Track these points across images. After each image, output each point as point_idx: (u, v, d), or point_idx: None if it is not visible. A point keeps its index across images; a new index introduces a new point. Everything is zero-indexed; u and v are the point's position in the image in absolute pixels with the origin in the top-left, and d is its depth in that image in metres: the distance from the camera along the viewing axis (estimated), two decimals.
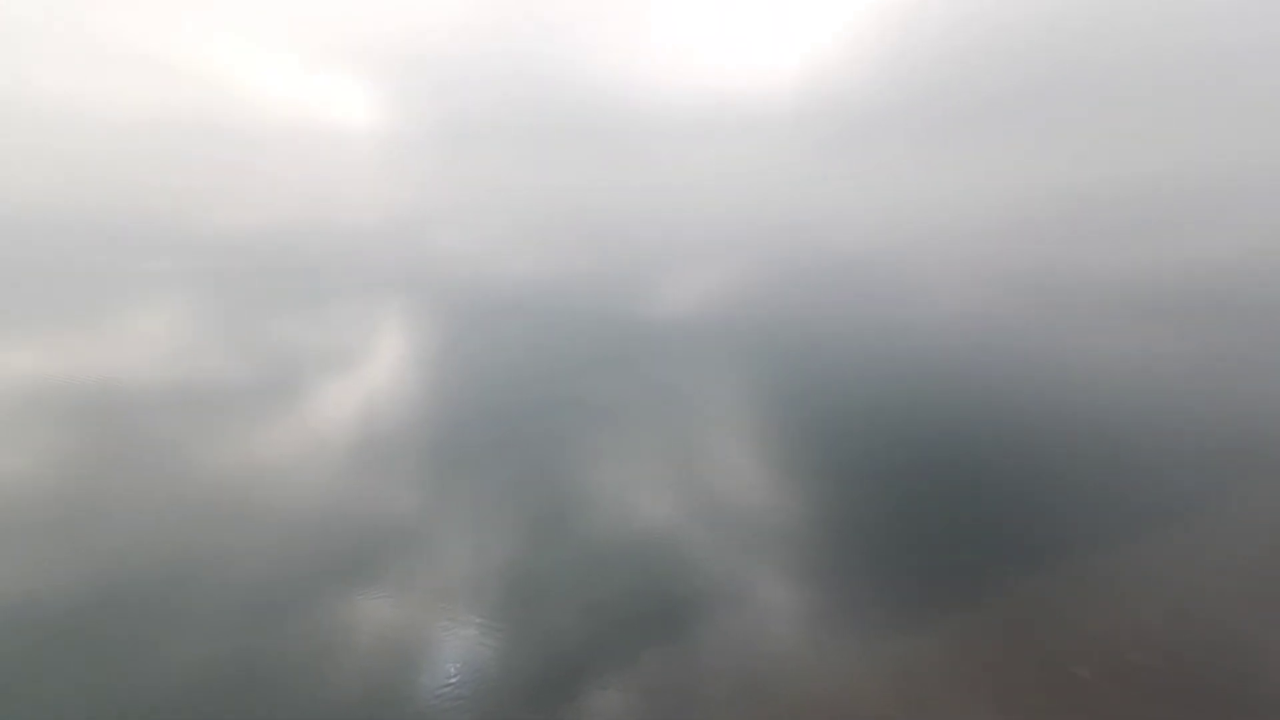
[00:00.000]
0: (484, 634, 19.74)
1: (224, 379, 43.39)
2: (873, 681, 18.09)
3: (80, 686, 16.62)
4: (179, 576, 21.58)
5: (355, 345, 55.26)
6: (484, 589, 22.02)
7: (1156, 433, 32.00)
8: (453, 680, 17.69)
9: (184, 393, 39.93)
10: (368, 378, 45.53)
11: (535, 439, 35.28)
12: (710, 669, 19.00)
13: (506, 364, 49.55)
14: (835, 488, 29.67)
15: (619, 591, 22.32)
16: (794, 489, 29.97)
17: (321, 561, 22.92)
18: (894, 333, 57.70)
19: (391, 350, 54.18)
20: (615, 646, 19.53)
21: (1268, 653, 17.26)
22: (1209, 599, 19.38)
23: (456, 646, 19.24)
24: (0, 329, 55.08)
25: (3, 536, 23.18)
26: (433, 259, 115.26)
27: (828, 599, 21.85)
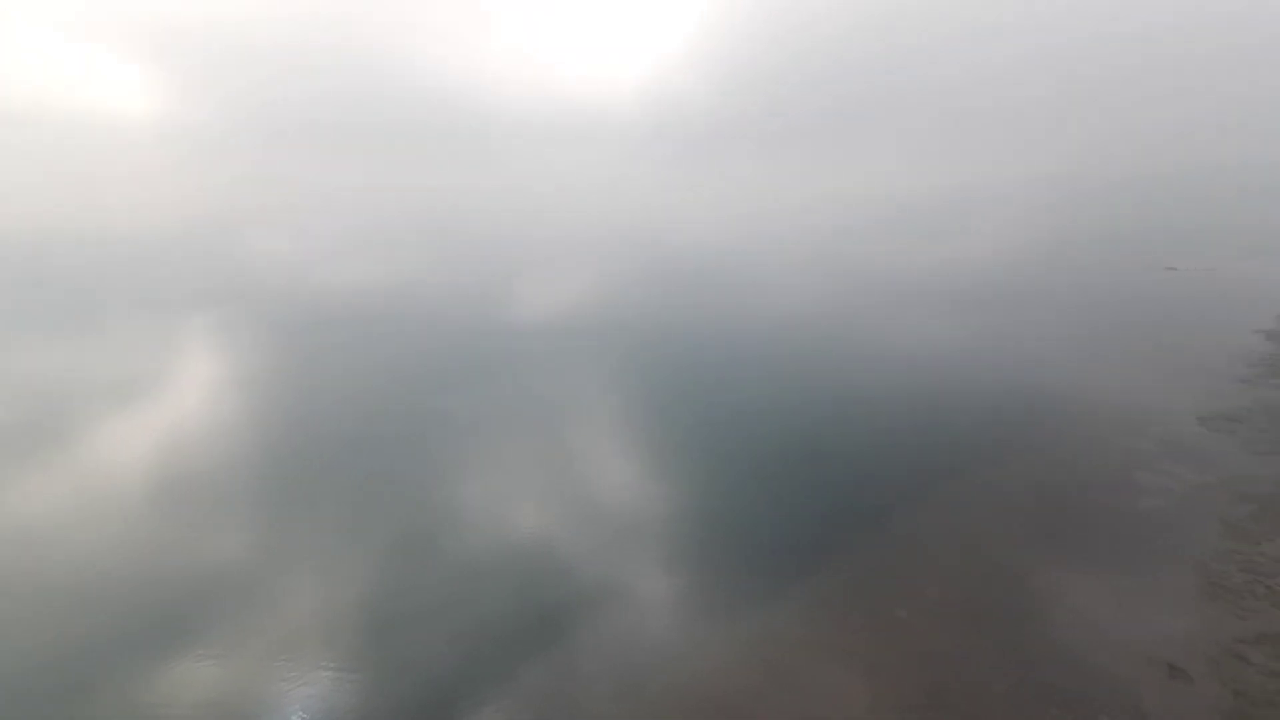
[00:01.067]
0: (338, 680, 17.77)
1: None
2: (743, 658, 19.43)
3: None
4: None
5: (148, 371, 46.69)
6: (337, 630, 19.84)
7: (952, 402, 38.55)
8: None
9: None
10: (170, 407, 38.64)
11: (391, 458, 32.56)
12: (590, 673, 19.01)
13: (350, 381, 45.10)
14: (700, 480, 31.44)
15: (493, 609, 21.42)
16: (662, 485, 31.20)
17: (124, 627, 19.11)
18: (747, 330, 62.76)
19: (199, 373, 46.57)
20: (491, 666, 18.72)
21: (1033, 578, 21.53)
22: (992, 540, 23.74)
23: (307, 699, 17.10)
24: None
25: None
26: (249, 268, 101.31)
27: (699, 587, 23.04)
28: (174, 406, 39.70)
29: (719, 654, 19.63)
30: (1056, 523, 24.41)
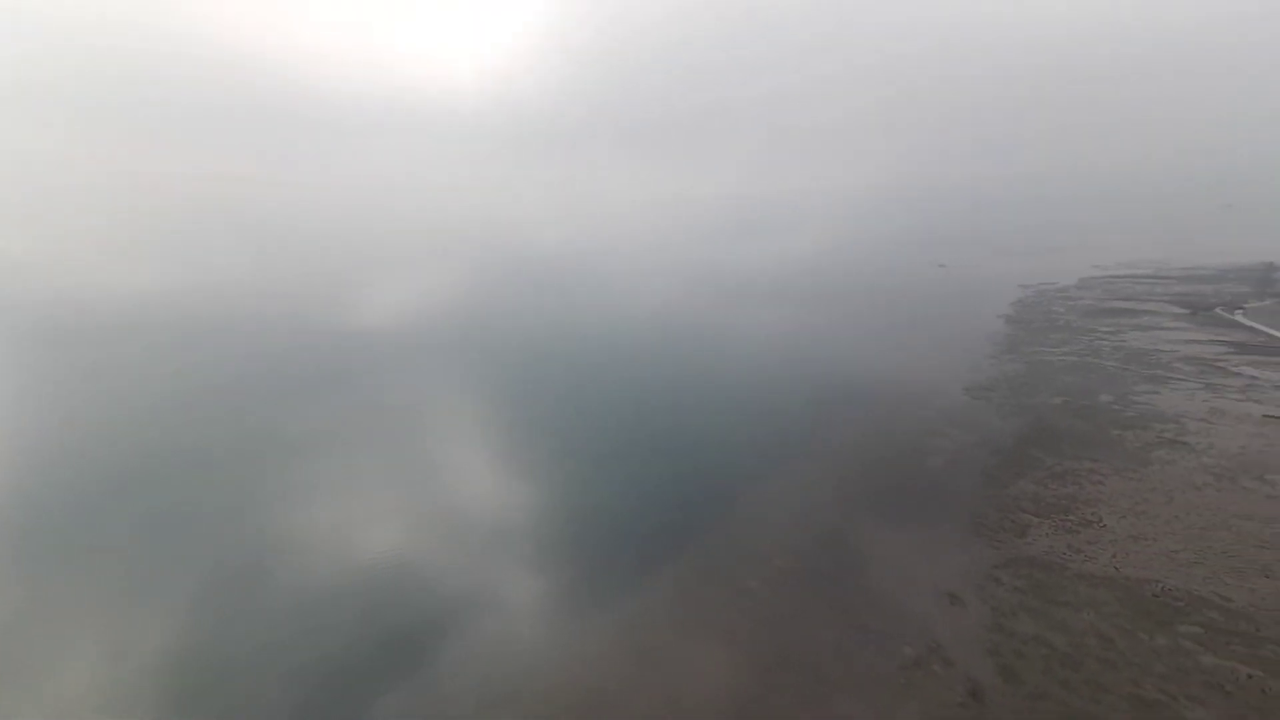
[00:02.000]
0: None
1: None
2: (614, 648, 19.97)
3: None
4: None
5: None
6: (141, 688, 16.54)
7: (783, 387, 42.93)
8: None
9: None
10: None
11: (197, 486, 27.67)
12: (455, 692, 18.16)
13: (134, 400, 37.33)
14: (560, 477, 31.50)
15: (338, 640, 19.41)
16: (522, 486, 30.68)
17: None
18: (599, 327, 63.75)
19: None
20: (338, 704, 16.96)
21: (855, 537, 24.86)
22: (823, 507, 27.00)
23: None
24: None
25: None
26: None
27: (567, 584, 23.15)
28: None
29: (591, 648, 19.94)
30: (871, 486, 28.54)
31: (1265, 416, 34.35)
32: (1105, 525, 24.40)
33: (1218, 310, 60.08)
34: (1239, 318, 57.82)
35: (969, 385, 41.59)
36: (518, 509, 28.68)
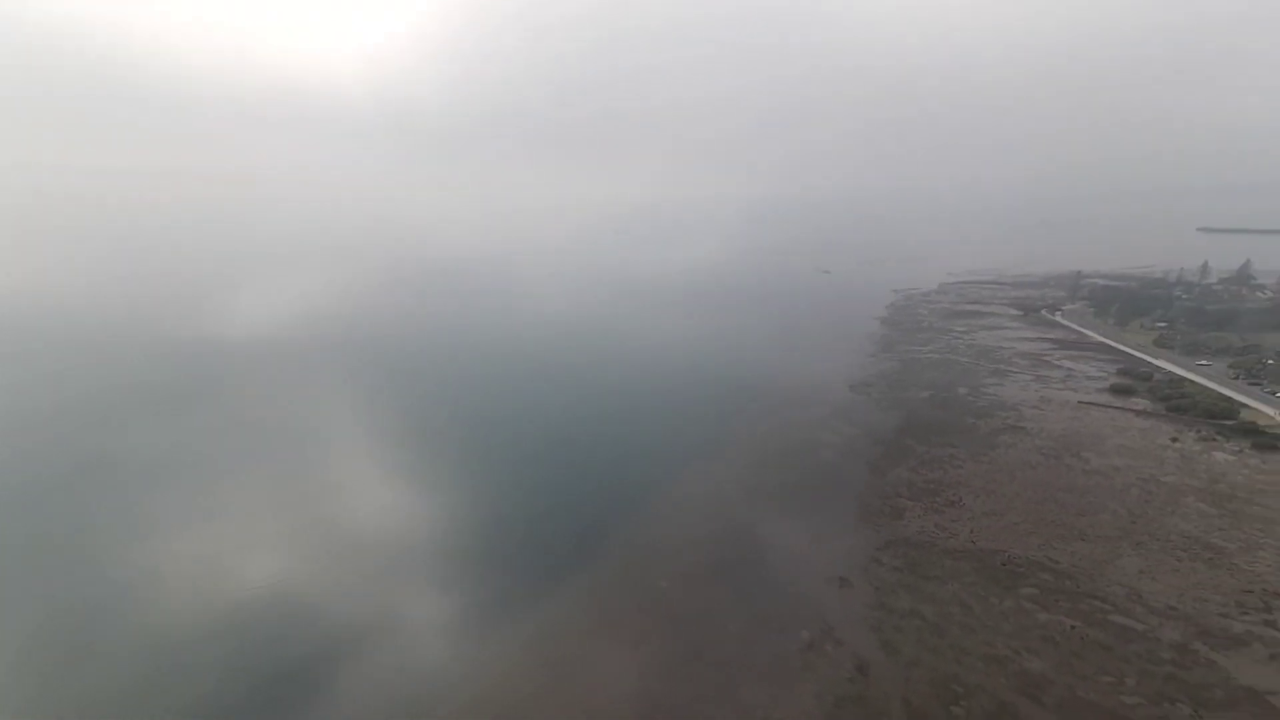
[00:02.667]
0: None
1: None
2: (524, 661, 19.57)
3: None
4: None
5: None
6: None
7: (689, 389, 44.24)
8: None
9: None
10: None
11: (41, 518, 23.26)
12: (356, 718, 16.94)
13: None
14: (467, 488, 30.28)
15: (209, 684, 17.33)
16: (425, 500, 29.09)
17: None
18: (504, 332, 61.93)
19: None
20: None
21: (758, 529, 26.18)
22: (729, 503, 28.20)
23: None
24: None
25: None
26: None
27: (474, 599, 22.32)
28: None
29: (499, 664, 19.41)
30: (771, 480, 30.27)
31: (1080, 402, 40.98)
32: (965, 504, 27.89)
33: (1043, 312, 70.78)
34: (1058, 318, 68.58)
35: (853, 382, 45.58)
36: (417, 525, 27.11)
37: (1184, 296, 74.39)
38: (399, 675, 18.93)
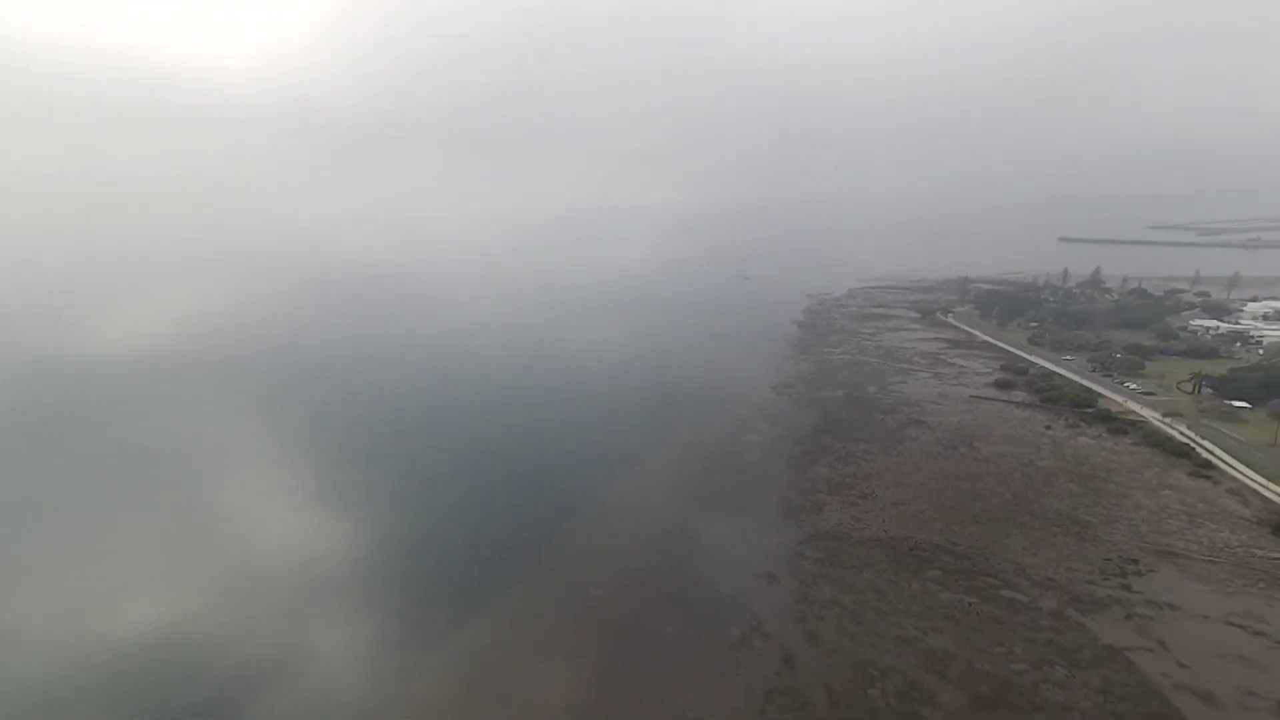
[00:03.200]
0: None
1: None
2: (446, 686, 18.74)
3: None
4: None
5: None
6: None
7: (618, 395, 44.42)
8: None
9: None
10: None
11: None
12: None
13: None
14: (381, 507, 28.69)
15: None
16: (335, 522, 27.26)
17: None
18: (423, 341, 59.30)
19: None
20: None
21: (690, 530, 26.69)
22: (661, 506, 28.55)
23: None
24: None
25: None
26: None
27: (392, 626, 21.16)
28: None
29: (421, 691, 18.53)
30: (699, 483, 30.98)
31: (971, 397, 45.24)
32: (877, 496, 29.94)
33: (937, 314, 77.54)
34: (950, 320, 75.45)
35: (775, 384, 47.73)
36: (331, 550, 25.31)
37: (1050, 299, 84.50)
38: (308, 716, 17.56)
